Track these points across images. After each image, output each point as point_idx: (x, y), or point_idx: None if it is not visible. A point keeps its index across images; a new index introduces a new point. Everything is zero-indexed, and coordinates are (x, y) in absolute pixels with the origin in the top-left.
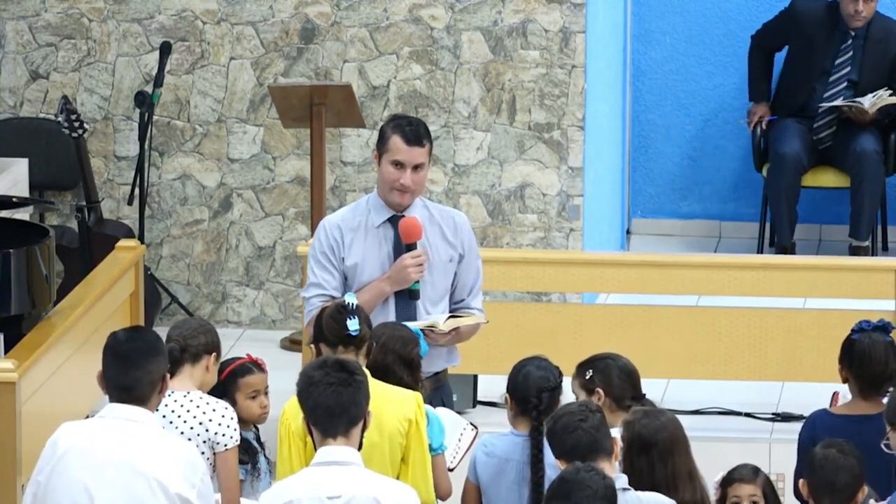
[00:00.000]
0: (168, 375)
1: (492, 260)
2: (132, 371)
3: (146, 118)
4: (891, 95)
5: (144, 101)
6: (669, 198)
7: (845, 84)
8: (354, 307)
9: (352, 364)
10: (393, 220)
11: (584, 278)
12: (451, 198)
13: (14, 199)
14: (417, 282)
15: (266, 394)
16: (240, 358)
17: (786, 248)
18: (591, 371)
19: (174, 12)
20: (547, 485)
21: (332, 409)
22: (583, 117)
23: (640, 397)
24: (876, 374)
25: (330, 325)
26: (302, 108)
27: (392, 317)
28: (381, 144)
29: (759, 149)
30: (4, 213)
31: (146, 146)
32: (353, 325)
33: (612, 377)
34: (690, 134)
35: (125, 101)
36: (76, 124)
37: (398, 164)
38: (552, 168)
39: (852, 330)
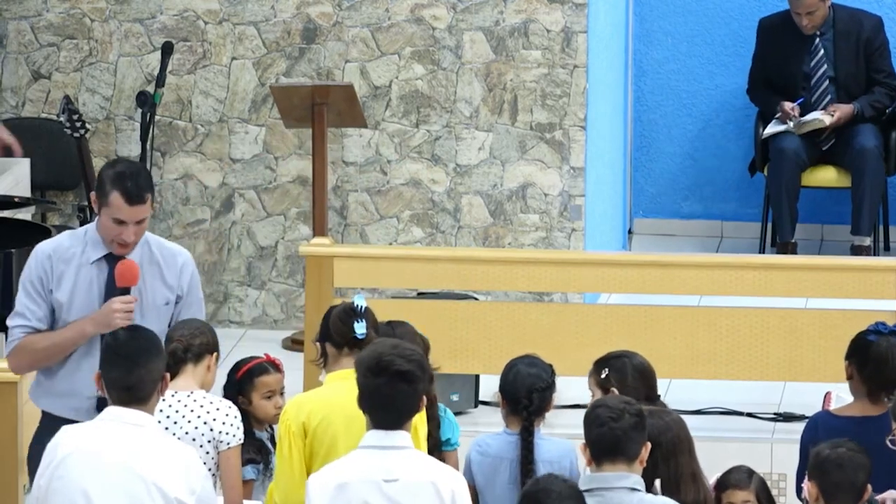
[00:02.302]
0: (167, 376)
1: (493, 260)
2: (135, 370)
3: (148, 118)
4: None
5: (146, 101)
6: (671, 198)
7: (826, 82)
8: (363, 310)
9: (411, 363)
10: (109, 259)
11: (586, 278)
12: (453, 198)
13: (16, 199)
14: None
15: (282, 394)
16: (257, 357)
17: (787, 244)
18: (606, 369)
19: (176, 12)
20: None
21: (387, 406)
22: (584, 117)
23: (653, 398)
24: (889, 379)
25: (337, 327)
26: (304, 108)
27: (96, 361)
28: (101, 196)
29: (762, 148)
30: (6, 213)
31: (148, 146)
32: (360, 328)
33: (627, 376)
34: (692, 134)
35: (127, 101)
36: (78, 124)
37: (120, 221)
38: (554, 168)
39: (868, 330)
